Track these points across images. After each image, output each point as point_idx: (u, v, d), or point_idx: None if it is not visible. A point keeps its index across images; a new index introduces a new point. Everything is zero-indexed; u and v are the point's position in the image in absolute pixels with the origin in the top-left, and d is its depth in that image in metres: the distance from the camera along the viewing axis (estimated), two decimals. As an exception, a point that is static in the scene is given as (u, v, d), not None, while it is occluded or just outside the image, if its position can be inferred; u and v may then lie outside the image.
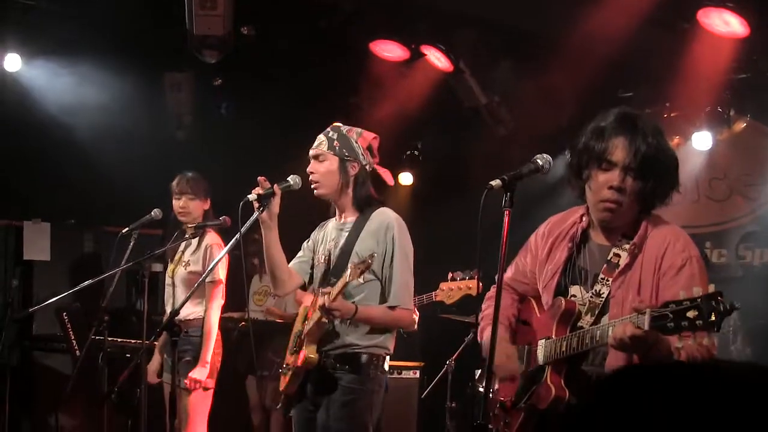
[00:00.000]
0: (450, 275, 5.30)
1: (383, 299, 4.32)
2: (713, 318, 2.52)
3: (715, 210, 8.15)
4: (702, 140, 7.44)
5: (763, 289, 7.29)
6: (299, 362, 4.34)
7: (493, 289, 3.65)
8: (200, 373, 5.78)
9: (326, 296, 4.15)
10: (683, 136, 7.58)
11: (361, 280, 4.19)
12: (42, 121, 7.72)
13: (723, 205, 8.14)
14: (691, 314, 2.55)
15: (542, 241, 3.45)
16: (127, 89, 7.67)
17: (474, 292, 5.09)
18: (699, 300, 2.55)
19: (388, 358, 4.40)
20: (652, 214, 3.20)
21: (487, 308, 3.59)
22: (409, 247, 4.37)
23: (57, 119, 7.68)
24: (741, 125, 7.40)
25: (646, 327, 2.65)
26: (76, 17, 6.95)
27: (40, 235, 8.37)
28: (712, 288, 2.56)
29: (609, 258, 3.17)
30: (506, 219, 3.06)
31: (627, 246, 3.14)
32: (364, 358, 4.29)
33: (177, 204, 6.04)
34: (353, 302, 4.25)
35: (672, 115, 7.50)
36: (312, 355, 4.30)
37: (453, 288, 5.26)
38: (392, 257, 4.29)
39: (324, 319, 4.24)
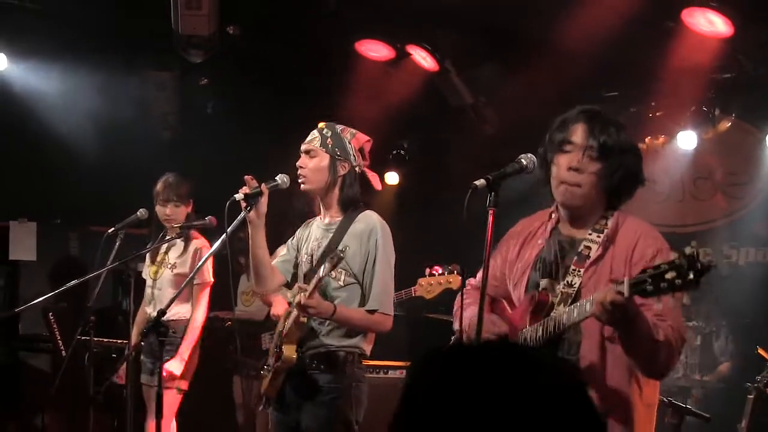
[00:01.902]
0: (428, 270, 5.27)
1: (363, 303, 4.29)
2: (691, 276, 2.51)
3: (701, 209, 8.18)
4: (687, 139, 7.46)
5: (748, 289, 7.32)
6: (279, 361, 4.31)
7: (464, 290, 3.65)
8: (175, 365, 5.70)
9: (303, 293, 4.12)
10: (668, 135, 7.60)
11: (339, 280, 4.20)
12: (28, 121, 7.71)
13: (708, 204, 8.17)
14: (669, 276, 2.54)
15: (513, 241, 3.45)
16: (112, 88, 7.66)
17: (455, 286, 5.12)
18: (675, 261, 2.54)
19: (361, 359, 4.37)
20: (622, 209, 3.23)
21: (458, 308, 3.55)
22: (392, 253, 4.35)
23: (43, 119, 7.67)
24: (726, 125, 7.40)
25: (626, 293, 2.65)
26: (62, 17, 6.94)
27: (26, 235, 8.33)
28: (688, 249, 2.55)
29: (580, 250, 3.18)
30: (491, 218, 3.07)
31: (597, 238, 3.15)
32: (339, 356, 4.26)
33: (162, 211, 5.97)
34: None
35: (657, 114, 7.52)
36: (290, 355, 4.25)
37: (432, 283, 5.23)
38: (375, 261, 4.26)
39: (302, 318, 4.21)
